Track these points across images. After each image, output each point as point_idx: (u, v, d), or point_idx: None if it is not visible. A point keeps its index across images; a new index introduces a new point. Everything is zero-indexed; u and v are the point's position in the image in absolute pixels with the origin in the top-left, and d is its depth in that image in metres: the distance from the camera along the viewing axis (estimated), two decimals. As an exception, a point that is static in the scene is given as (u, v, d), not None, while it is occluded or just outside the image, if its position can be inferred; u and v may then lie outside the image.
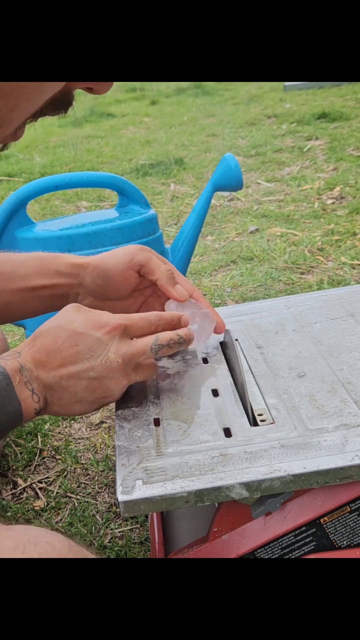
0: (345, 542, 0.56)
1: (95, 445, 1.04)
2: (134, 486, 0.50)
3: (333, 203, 2.06)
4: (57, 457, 1.03)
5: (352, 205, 1.98)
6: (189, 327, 0.63)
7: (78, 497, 0.94)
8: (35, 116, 0.44)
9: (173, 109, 4.35)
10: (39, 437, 1.07)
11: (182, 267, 1.26)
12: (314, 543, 0.56)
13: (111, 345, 0.56)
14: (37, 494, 0.96)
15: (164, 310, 0.68)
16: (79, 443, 1.05)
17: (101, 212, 1.26)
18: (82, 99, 5.25)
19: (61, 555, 0.39)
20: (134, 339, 0.59)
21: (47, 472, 1.00)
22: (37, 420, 1.10)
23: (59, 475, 0.99)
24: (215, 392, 0.62)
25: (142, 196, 1.24)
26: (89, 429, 1.08)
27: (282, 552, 0.56)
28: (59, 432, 1.08)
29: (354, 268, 1.58)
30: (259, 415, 0.58)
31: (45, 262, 0.69)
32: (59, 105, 0.44)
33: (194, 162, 2.78)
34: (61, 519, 0.90)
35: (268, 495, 0.54)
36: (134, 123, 3.99)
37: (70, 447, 1.04)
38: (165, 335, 0.59)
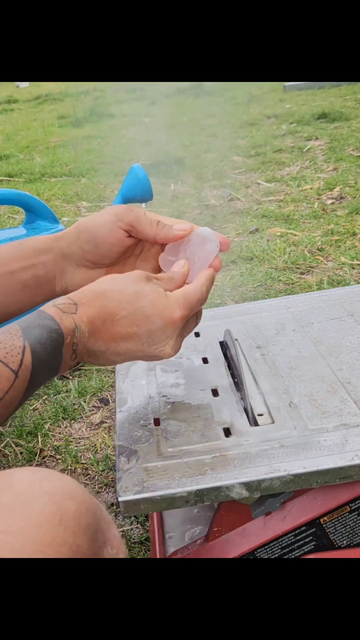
0: (345, 542, 0.56)
1: (95, 445, 1.04)
2: (134, 486, 0.50)
3: (333, 203, 2.06)
4: (57, 457, 1.03)
5: (352, 206, 1.98)
6: (187, 265, 0.60)
7: (78, 497, 0.94)
8: None
9: (173, 109, 4.34)
10: (39, 437, 1.07)
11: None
12: (313, 543, 0.56)
13: (170, 339, 0.54)
14: (37, 493, 0.96)
15: (157, 261, 0.65)
16: (79, 443, 1.05)
17: (8, 231, 1.26)
18: (82, 99, 5.25)
19: (74, 490, 0.38)
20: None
21: (47, 472, 1.00)
22: (37, 420, 1.10)
23: (59, 475, 0.99)
24: (215, 392, 0.62)
25: (50, 212, 1.23)
26: (89, 429, 1.08)
27: (281, 552, 0.56)
28: (59, 432, 1.08)
29: (353, 268, 1.58)
30: (259, 415, 0.58)
31: (21, 244, 0.65)
32: None
33: (194, 162, 2.78)
34: (61, 519, 0.90)
35: (268, 495, 0.54)
36: (134, 123, 3.98)
37: (70, 447, 1.04)
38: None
